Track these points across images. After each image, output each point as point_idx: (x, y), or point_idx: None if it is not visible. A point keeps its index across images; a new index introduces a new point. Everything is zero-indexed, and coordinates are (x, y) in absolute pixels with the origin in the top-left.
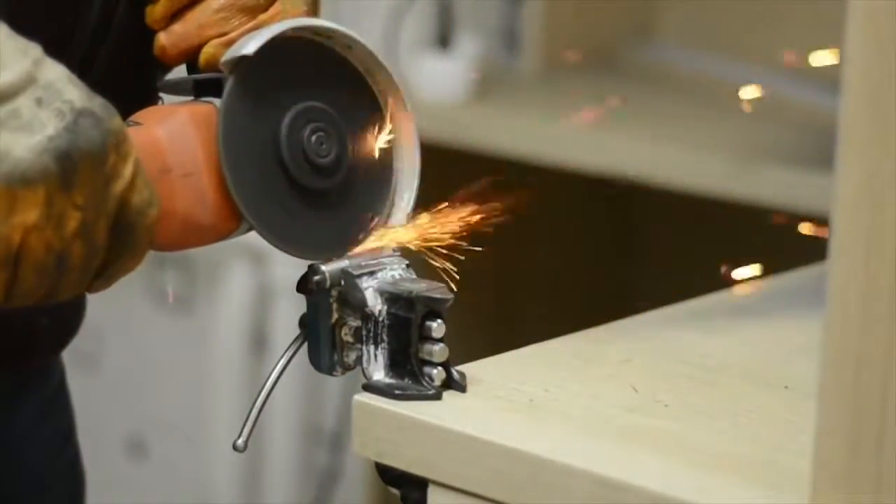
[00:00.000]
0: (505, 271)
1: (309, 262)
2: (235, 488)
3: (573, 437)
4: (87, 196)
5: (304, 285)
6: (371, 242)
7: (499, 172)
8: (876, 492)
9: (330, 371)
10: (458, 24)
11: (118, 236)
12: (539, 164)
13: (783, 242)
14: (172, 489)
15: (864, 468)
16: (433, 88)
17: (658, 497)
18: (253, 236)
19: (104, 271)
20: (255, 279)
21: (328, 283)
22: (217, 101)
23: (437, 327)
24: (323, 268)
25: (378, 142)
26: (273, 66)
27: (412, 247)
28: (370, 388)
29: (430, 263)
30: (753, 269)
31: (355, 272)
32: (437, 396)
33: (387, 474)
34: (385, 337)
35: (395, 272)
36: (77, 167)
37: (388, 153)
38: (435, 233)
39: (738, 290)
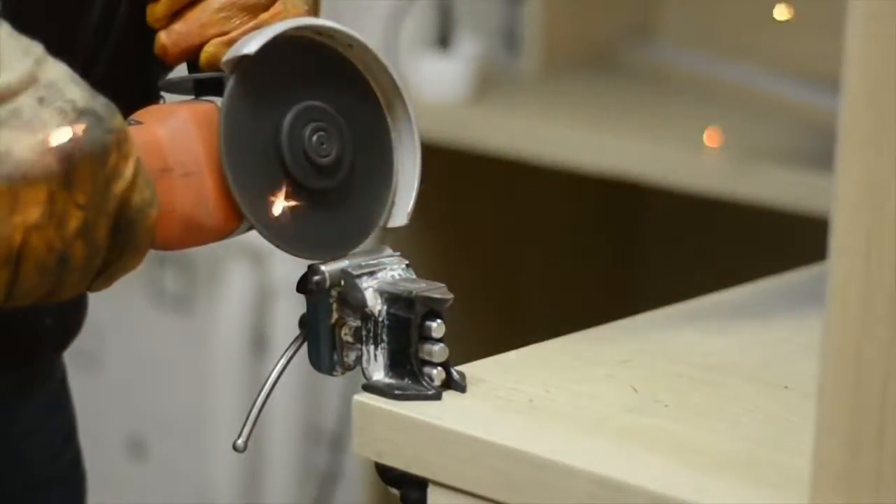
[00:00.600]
0: (505, 271)
1: (309, 262)
2: (235, 488)
3: (573, 437)
4: (88, 195)
5: (304, 285)
6: (373, 241)
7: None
8: (876, 492)
9: (330, 371)
10: (458, 24)
11: (119, 235)
12: (539, 164)
13: (783, 242)
14: (172, 489)
15: (864, 468)
16: (433, 88)
17: (658, 497)
18: (253, 236)
19: (105, 270)
20: (255, 279)
21: (328, 283)
22: (218, 101)
23: (436, 327)
24: (323, 268)
25: (378, 141)
26: (274, 65)
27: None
28: (370, 388)
29: (430, 263)
30: (753, 269)
31: (355, 272)
32: (437, 396)
33: (387, 474)
34: (385, 337)
35: (395, 272)
36: (78, 167)
37: (388, 153)
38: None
39: (738, 290)
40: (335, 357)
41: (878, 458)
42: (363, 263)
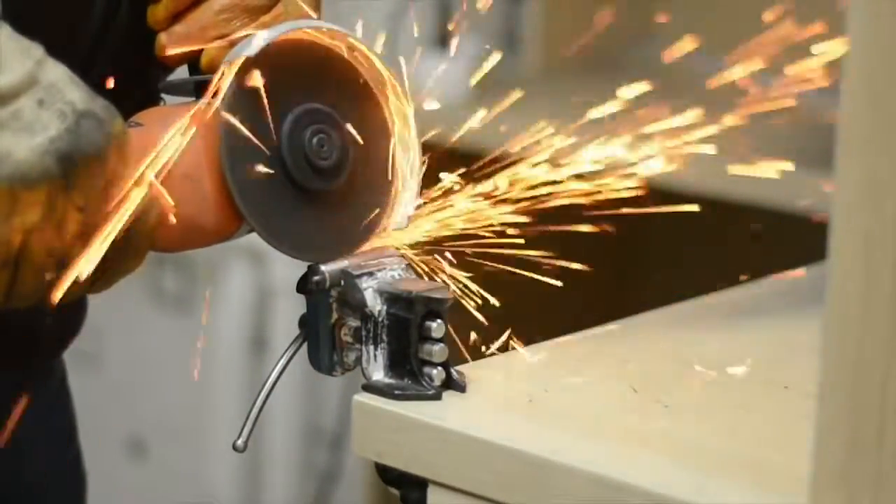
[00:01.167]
0: (504, 271)
1: (309, 263)
2: (235, 488)
3: (573, 437)
4: (87, 197)
5: (303, 285)
6: (374, 242)
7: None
8: (876, 492)
9: (330, 371)
10: (458, 24)
11: (119, 238)
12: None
13: (783, 242)
14: (172, 489)
15: (864, 468)
16: (433, 88)
17: (658, 497)
18: (253, 237)
19: (104, 273)
20: (255, 279)
21: (328, 283)
22: (218, 103)
23: (436, 327)
24: (323, 268)
25: (378, 143)
26: (274, 67)
27: (412, 246)
28: (370, 388)
29: (430, 263)
30: (754, 270)
31: (355, 272)
32: (437, 396)
33: (387, 474)
34: (385, 337)
35: (394, 272)
36: (78, 169)
37: (388, 154)
38: (433, 231)
39: (738, 290)
40: (335, 357)
41: (878, 458)
42: (363, 263)
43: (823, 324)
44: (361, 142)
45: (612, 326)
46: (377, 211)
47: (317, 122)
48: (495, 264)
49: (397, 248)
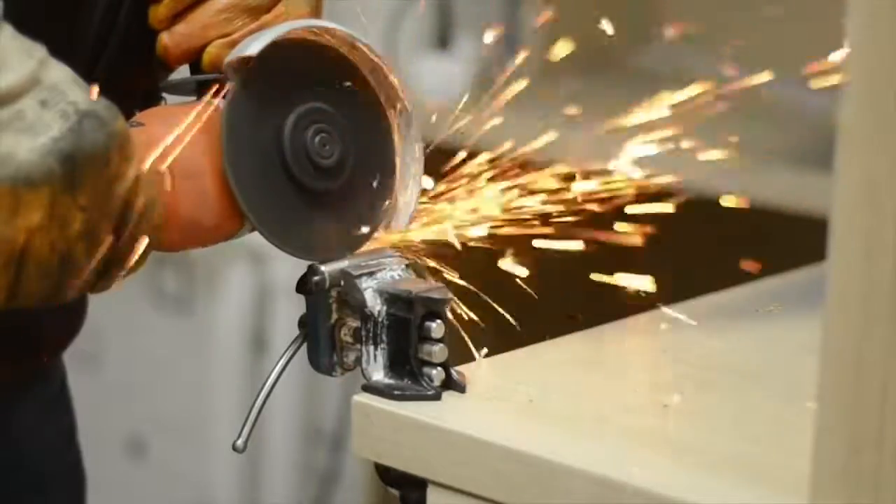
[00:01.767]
0: (504, 271)
1: (309, 263)
2: (235, 488)
3: (573, 437)
4: (90, 197)
5: (303, 285)
6: (372, 243)
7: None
8: (876, 492)
9: (329, 371)
10: (458, 24)
11: (121, 238)
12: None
13: (783, 242)
14: (172, 489)
15: (864, 468)
16: (433, 88)
17: (658, 497)
18: (253, 236)
19: (107, 272)
20: (255, 279)
21: (328, 283)
22: (220, 102)
23: (436, 328)
24: (322, 268)
25: (380, 143)
26: (276, 67)
27: (413, 247)
28: (370, 388)
29: (430, 264)
30: (754, 269)
31: (355, 272)
32: (437, 397)
33: (386, 474)
34: (384, 337)
35: (394, 272)
36: (81, 169)
37: (389, 154)
38: (434, 232)
39: (738, 290)
40: (335, 357)
41: (878, 458)
42: (363, 264)
43: (823, 324)
44: (363, 141)
45: (611, 326)
46: (378, 211)
47: (318, 122)
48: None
49: (398, 249)
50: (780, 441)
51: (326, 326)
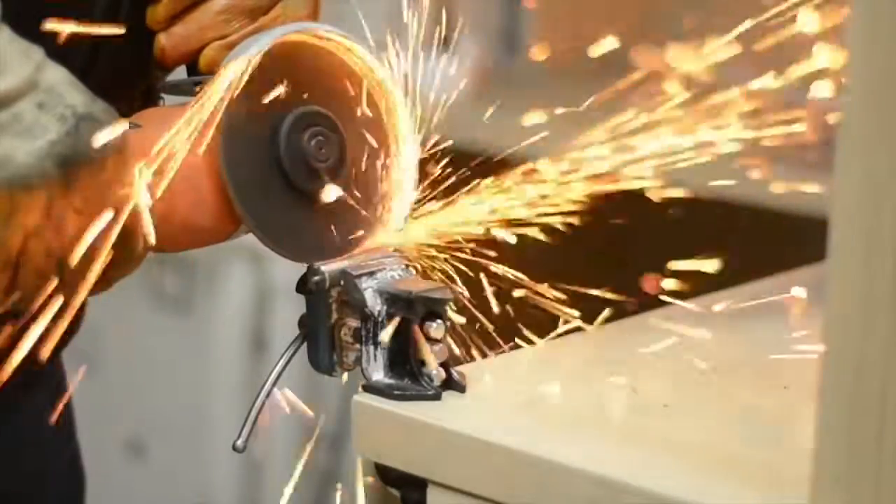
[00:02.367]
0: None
1: (307, 263)
2: (235, 488)
3: (573, 437)
4: (86, 200)
5: (303, 286)
6: (370, 244)
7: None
8: (876, 492)
9: (329, 371)
10: (458, 24)
11: (118, 239)
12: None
13: (783, 242)
14: (172, 490)
15: (864, 468)
16: (433, 88)
17: (658, 497)
18: (253, 237)
19: (103, 274)
20: (255, 279)
21: (328, 283)
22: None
23: (436, 328)
24: (322, 268)
25: (376, 144)
26: (273, 69)
27: (410, 247)
28: (370, 388)
29: (429, 264)
30: (754, 269)
31: (355, 273)
32: (437, 397)
33: (387, 474)
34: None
35: (394, 273)
36: (78, 172)
37: (386, 155)
38: (433, 234)
39: (738, 290)
40: (335, 357)
41: (878, 458)
42: (363, 263)
43: (823, 324)
44: (359, 144)
45: (611, 326)
46: (375, 212)
47: (315, 125)
48: (496, 264)
49: (396, 249)
50: (781, 441)
51: (326, 326)
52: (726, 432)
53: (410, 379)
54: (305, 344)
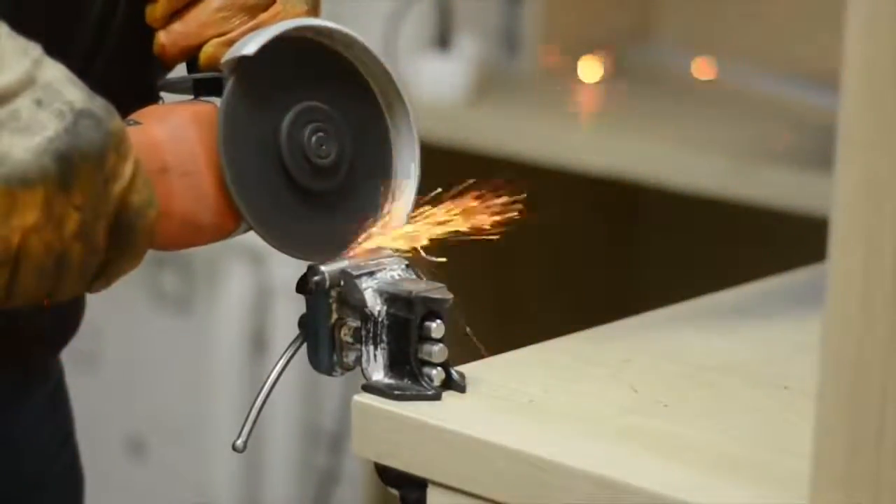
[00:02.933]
0: (505, 271)
1: (308, 263)
2: (235, 488)
3: (573, 437)
4: (86, 197)
5: (303, 286)
6: (371, 243)
7: (497, 172)
8: (876, 492)
9: (329, 371)
10: (458, 25)
11: (117, 237)
12: (539, 164)
13: (783, 242)
14: (172, 489)
15: (864, 468)
16: (433, 88)
17: (658, 497)
18: (253, 236)
19: (103, 272)
20: (255, 279)
21: (328, 283)
22: (217, 101)
23: (436, 328)
24: (322, 268)
25: (377, 142)
26: (273, 66)
27: (411, 247)
28: (370, 388)
29: (430, 264)
30: (754, 270)
31: (355, 272)
32: (437, 397)
33: (386, 475)
34: (384, 337)
35: (394, 272)
36: (76, 168)
37: (387, 154)
38: (434, 233)
39: (738, 290)
40: (335, 357)
41: (878, 459)
42: (363, 263)
43: (823, 324)
44: (360, 141)
45: (612, 326)
46: (376, 210)
47: (316, 121)
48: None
49: (396, 249)
50: (780, 441)
51: (326, 326)
52: (726, 432)
53: (410, 379)
54: (305, 344)
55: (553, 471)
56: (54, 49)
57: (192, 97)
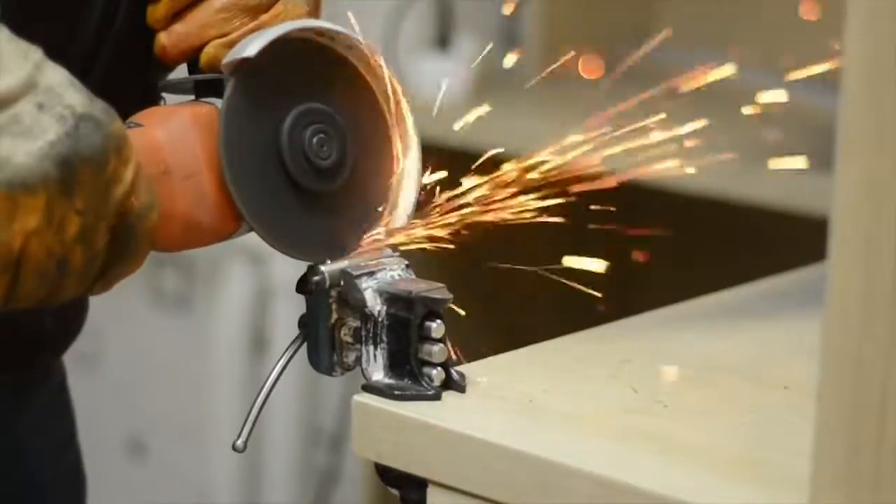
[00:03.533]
0: (504, 271)
1: (308, 263)
2: (235, 488)
3: (573, 438)
4: (87, 200)
5: (303, 286)
6: (371, 243)
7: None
8: (876, 492)
9: (329, 371)
10: (458, 24)
11: (119, 240)
12: (538, 163)
13: (783, 242)
14: (172, 489)
15: (864, 468)
16: (433, 88)
17: (658, 497)
18: (253, 236)
19: (104, 274)
20: (255, 279)
21: (328, 283)
22: (218, 102)
23: (436, 328)
24: (322, 268)
25: (378, 143)
26: (274, 67)
27: (412, 247)
28: (370, 388)
29: (429, 264)
30: (753, 270)
31: (355, 272)
32: (437, 397)
33: (386, 475)
34: (384, 337)
35: (394, 272)
36: (78, 172)
37: (388, 154)
38: (434, 233)
39: (738, 290)
40: (335, 357)
41: (878, 459)
42: (363, 264)
43: (823, 324)
44: (361, 142)
45: (612, 326)
46: (377, 211)
47: (317, 122)
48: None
49: (396, 249)
50: (781, 441)
51: (326, 326)
52: (726, 432)
53: (410, 379)
54: (305, 344)
55: (553, 471)
56: (55, 51)
57: (193, 98)
